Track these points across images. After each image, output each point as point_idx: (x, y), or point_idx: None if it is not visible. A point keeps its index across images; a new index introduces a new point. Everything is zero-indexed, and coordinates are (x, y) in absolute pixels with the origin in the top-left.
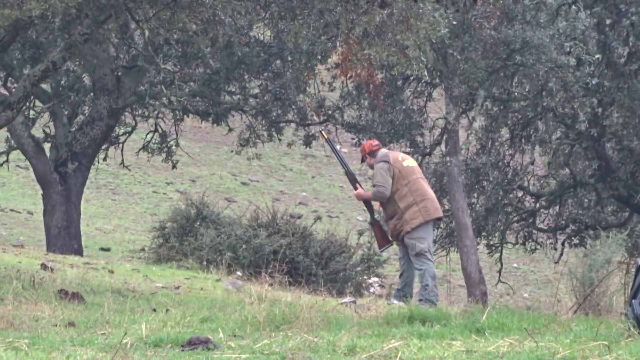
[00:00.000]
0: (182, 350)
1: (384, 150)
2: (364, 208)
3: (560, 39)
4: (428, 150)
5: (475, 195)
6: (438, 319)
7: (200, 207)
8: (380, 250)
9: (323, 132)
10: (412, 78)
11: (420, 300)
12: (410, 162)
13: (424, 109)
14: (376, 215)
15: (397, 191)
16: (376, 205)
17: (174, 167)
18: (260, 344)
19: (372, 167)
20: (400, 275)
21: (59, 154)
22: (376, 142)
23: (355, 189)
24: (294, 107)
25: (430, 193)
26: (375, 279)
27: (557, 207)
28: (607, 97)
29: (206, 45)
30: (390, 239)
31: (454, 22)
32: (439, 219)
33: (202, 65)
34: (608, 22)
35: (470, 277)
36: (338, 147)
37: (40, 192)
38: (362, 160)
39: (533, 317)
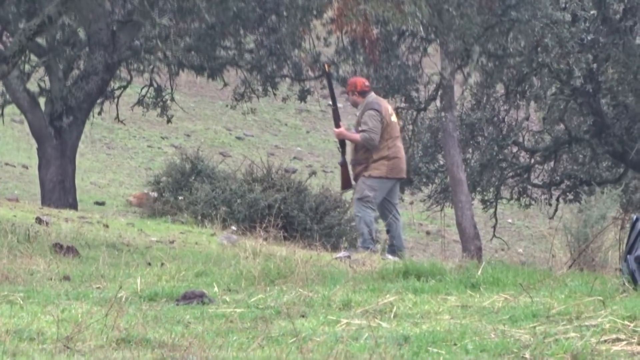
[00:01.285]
0: (177, 304)
1: (374, 95)
2: (338, 146)
3: None
4: (423, 105)
5: (470, 150)
6: (433, 274)
7: (195, 162)
8: (342, 192)
9: (326, 64)
10: (407, 33)
11: (359, 246)
12: (394, 117)
13: (419, 65)
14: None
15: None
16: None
17: (168, 121)
18: (255, 298)
19: (355, 104)
20: (388, 232)
21: (54, 108)
22: (367, 83)
23: (338, 127)
24: (289, 62)
25: (403, 152)
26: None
27: (552, 163)
28: (603, 53)
29: (201, 0)
30: (352, 184)
31: None
32: (402, 178)
33: (198, 20)
34: None
35: (465, 232)
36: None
37: (35, 146)
38: (347, 94)
39: (528, 273)
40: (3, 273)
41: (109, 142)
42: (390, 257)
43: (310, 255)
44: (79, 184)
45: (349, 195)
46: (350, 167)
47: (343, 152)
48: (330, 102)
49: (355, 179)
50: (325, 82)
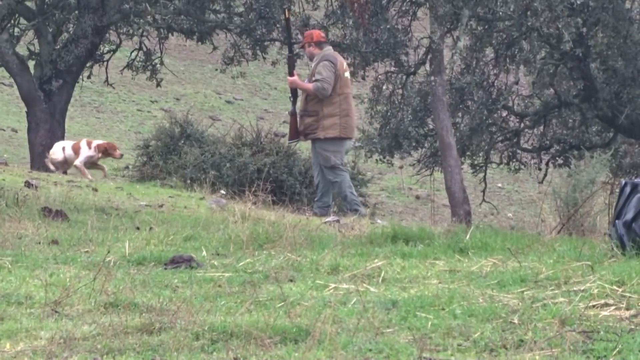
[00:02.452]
0: (165, 269)
1: (331, 48)
2: (289, 95)
3: None
4: (412, 69)
5: (460, 114)
6: (421, 238)
7: (185, 126)
8: (289, 142)
9: (287, 10)
10: None
11: (347, 211)
12: (348, 74)
13: (409, 28)
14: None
15: (329, 96)
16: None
17: (158, 85)
18: (243, 262)
19: (312, 56)
20: (317, 187)
21: (44, 71)
22: (323, 34)
23: (292, 75)
24: (278, 25)
25: (354, 111)
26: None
27: (542, 127)
28: (592, 17)
29: None
30: (300, 136)
31: None
32: (353, 137)
33: None
34: None
35: (454, 196)
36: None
37: (25, 109)
38: (303, 47)
39: (517, 237)
40: None
41: (99, 106)
42: (318, 212)
43: (299, 220)
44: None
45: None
46: (298, 118)
47: (294, 102)
48: (288, 50)
49: (304, 132)
50: (285, 26)
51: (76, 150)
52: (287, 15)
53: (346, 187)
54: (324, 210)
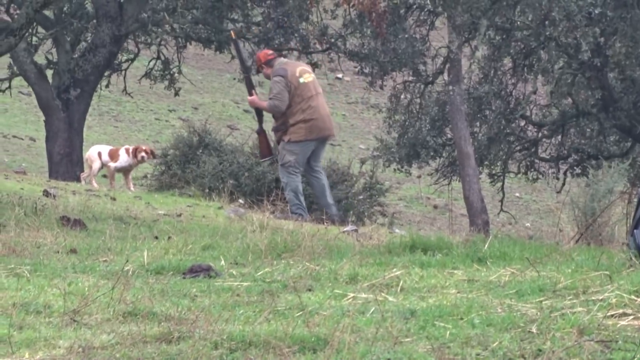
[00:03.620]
0: (184, 278)
1: (282, 61)
2: (254, 115)
3: None
4: (431, 79)
5: (478, 124)
6: (440, 247)
7: (203, 135)
8: (261, 161)
9: (233, 31)
10: (414, 6)
11: (291, 213)
12: (307, 77)
13: (427, 38)
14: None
15: (289, 107)
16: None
17: (176, 94)
18: (262, 271)
19: (268, 77)
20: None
21: (62, 80)
22: (271, 52)
23: (251, 95)
24: (296, 35)
25: (322, 111)
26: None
27: (560, 137)
28: (610, 26)
29: None
30: (272, 152)
31: None
32: (326, 138)
33: None
34: None
35: (473, 206)
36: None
37: (43, 118)
38: (258, 71)
39: (535, 247)
40: (10, 246)
41: (117, 115)
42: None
43: (318, 229)
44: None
45: (356, 167)
46: (273, 134)
47: (260, 121)
48: (242, 70)
49: (279, 142)
50: (235, 49)
51: (113, 156)
52: (234, 37)
53: (292, 190)
54: (332, 214)
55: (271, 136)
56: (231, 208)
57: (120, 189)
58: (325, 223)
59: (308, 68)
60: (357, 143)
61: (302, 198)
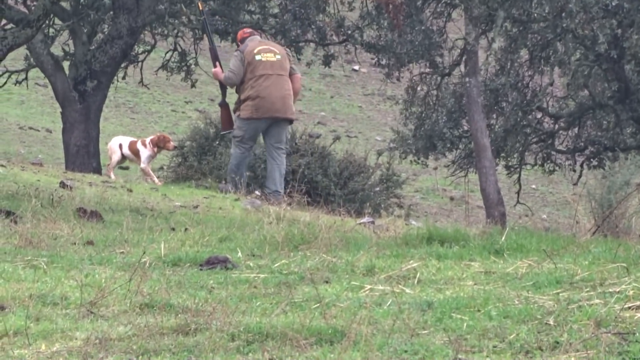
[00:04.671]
0: (201, 270)
1: (252, 38)
2: (218, 87)
3: None
4: (447, 71)
5: (494, 116)
6: (457, 239)
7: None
8: (222, 133)
9: (199, 2)
10: None
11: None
12: (268, 56)
13: (444, 30)
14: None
15: (242, 83)
16: None
17: (193, 86)
18: (278, 263)
19: None
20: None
21: (78, 72)
22: (248, 30)
23: (215, 66)
24: (313, 26)
25: (273, 92)
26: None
27: (576, 129)
28: (627, 18)
29: None
30: (234, 126)
31: None
32: (279, 119)
33: None
34: None
35: (489, 198)
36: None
37: (59, 110)
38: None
39: (552, 239)
40: (27, 237)
41: (133, 106)
42: (256, 193)
43: (334, 221)
44: (103, 148)
45: (372, 159)
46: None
47: (223, 94)
48: (209, 42)
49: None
50: (203, 21)
51: (133, 150)
52: (201, 8)
53: (233, 159)
54: (273, 195)
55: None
56: (248, 200)
57: (136, 181)
58: (340, 215)
59: (277, 49)
60: (374, 135)
61: (243, 171)
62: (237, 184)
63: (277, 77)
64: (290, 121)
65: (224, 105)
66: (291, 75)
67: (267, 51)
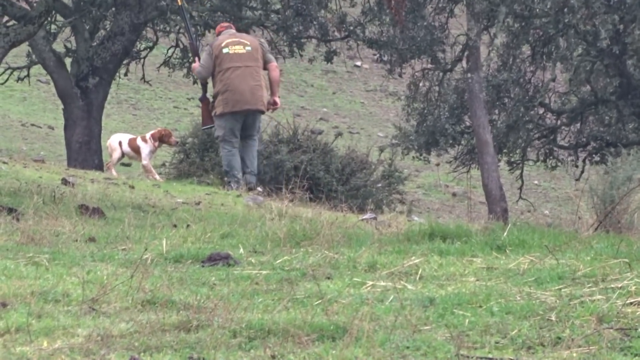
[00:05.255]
0: (203, 266)
1: (227, 31)
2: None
3: None
4: (449, 66)
5: (497, 111)
6: (459, 235)
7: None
8: (202, 128)
9: None
10: None
11: (226, 183)
12: (236, 48)
13: (446, 25)
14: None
15: (213, 76)
16: None
17: (195, 82)
18: (280, 260)
19: None
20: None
21: (80, 68)
22: (225, 24)
23: (194, 62)
24: (315, 22)
25: (241, 84)
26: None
27: (578, 124)
28: (629, 14)
29: None
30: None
31: None
32: (249, 111)
33: None
34: None
35: (491, 193)
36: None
37: (61, 106)
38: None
39: (554, 234)
40: (29, 234)
41: (135, 103)
42: (233, 185)
43: (336, 217)
44: (105, 145)
45: (374, 155)
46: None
47: (203, 89)
48: (189, 37)
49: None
50: (181, 17)
51: (133, 147)
52: (180, 3)
53: (225, 163)
54: (235, 182)
55: None
56: (250, 196)
57: (138, 177)
58: (342, 211)
59: (248, 40)
60: (376, 131)
61: (237, 172)
62: (239, 181)
63: (245, 68)
64: (262, 112)
65: (204, 100)
66: (267, 64)
67: (235, 44)
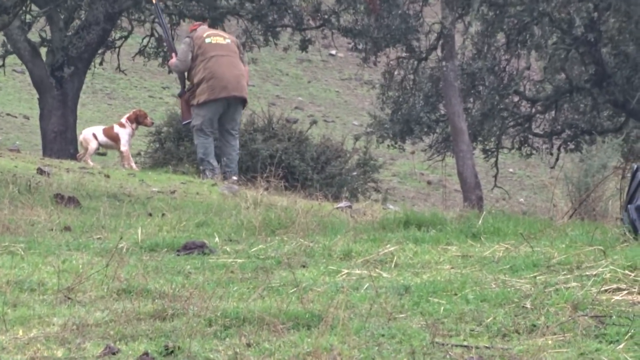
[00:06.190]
0: (178, 255)
1: (203, 27)
2: (177, 79)
3: None
4: (424, 55)
5: (471, 100)
6: (434, 223)
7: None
8: (183, 124)
9: None
10: None
11: (201, 171)
12: (217, 39)
13: (420, 14)
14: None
15: (194, 67)
16: None
17: (170, 71)
18: (256, 248)
19: None
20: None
21: (55, 58)
22: (197, 23)
23: (171, 58)
24: (290, 11)
25: (226, 71)
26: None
27: (553, 112)
28: (604, 2)
29: None
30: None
31: None
32: (240, 99)
33: None
34: None
35: (466, 181)
36: (166, 18)
37: (37, 96)
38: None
39: (529, 222)
40: (4, 224)
41: (110, 92)
42: (208, 175)
43: (312, 205)
44: (80, 134)
45: (349, 143)
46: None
47: (181, 85)
48: (164, 35)
49: (188, 108)
50: (156, 14)
51: (111, 135)
52: (154, 1)
53: (200, 151)
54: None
55: None
56: (225, 185)
57: (114, 167)
58: (317, 200)
59: (226, 35)
60: (351, 119)
61: (212, 159)
62: (214, 169)
63: (229, 57)
64: (244, 103)
65: (183, 95)
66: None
67: (216, 35)
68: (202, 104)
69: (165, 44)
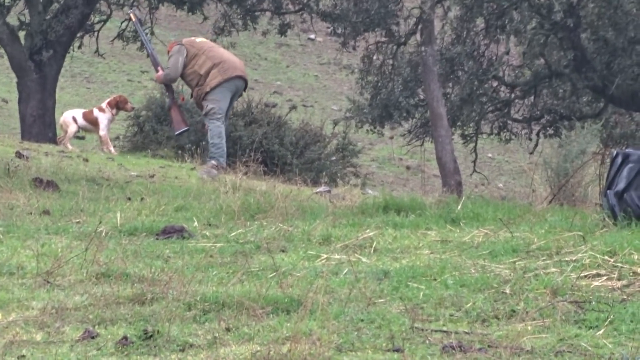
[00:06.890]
0: (157, 239)
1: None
2: (164, 91)
3: None
4: (403, 39)
5: (450, 85)
6: (413, 208)
7: (176, 96)
8: (176, 134)
9: (131, 13)
10: None
11: (210, 158)
12: (204, 40)
13: None
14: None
15: (196, 62)
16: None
17: (148, 55)
18: (235, 232)
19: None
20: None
21: (34, 42)
22: (178, 41)
23: (157, 72)
24: None
25: (229, 56)
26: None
27: (532, 98)
28: None
29: None
30: (188, 124)
31: None
32: (241, 79)
33: None
34: None
35: (445, 167)
36: (146, 31)
37: (15, 80)
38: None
39: (508, 208)
40: None
41: (89, 76)
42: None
43: (291, 190)
44: (59, 118)
45: (328, 128)
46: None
47: (171, 95)
48: (146, 49)
49: (197, 102)
50: (137, 28)
51: (90, 119)
52: (133, 19)
53: (215, 135)
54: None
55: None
56: (204, 169)
57: (92, 150)
58: (296, 184)
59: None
60: (330, 104)
61: (224, 143)
62: (224, 154)
63: (219, 47)
64: (246, 86)
65: (173, 105)
66: None
67: (201, 37)
68: (216, 87)
69: (149, 58)
